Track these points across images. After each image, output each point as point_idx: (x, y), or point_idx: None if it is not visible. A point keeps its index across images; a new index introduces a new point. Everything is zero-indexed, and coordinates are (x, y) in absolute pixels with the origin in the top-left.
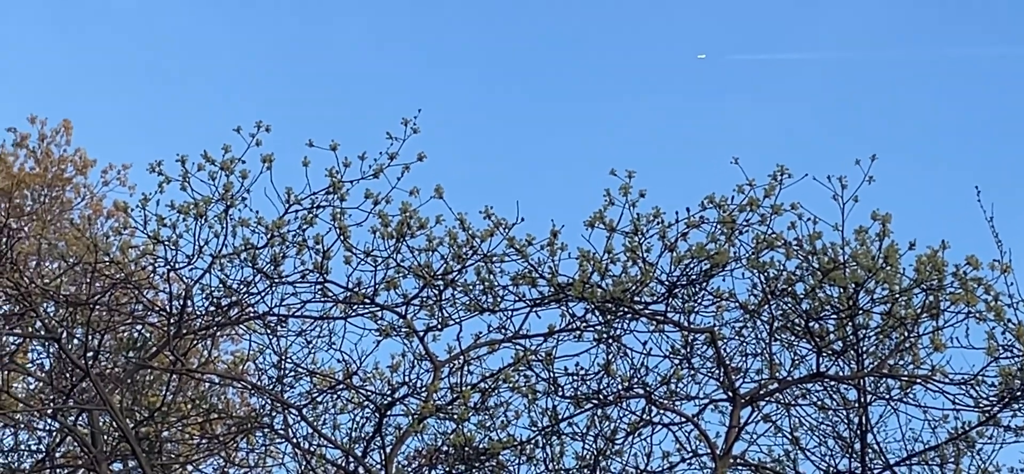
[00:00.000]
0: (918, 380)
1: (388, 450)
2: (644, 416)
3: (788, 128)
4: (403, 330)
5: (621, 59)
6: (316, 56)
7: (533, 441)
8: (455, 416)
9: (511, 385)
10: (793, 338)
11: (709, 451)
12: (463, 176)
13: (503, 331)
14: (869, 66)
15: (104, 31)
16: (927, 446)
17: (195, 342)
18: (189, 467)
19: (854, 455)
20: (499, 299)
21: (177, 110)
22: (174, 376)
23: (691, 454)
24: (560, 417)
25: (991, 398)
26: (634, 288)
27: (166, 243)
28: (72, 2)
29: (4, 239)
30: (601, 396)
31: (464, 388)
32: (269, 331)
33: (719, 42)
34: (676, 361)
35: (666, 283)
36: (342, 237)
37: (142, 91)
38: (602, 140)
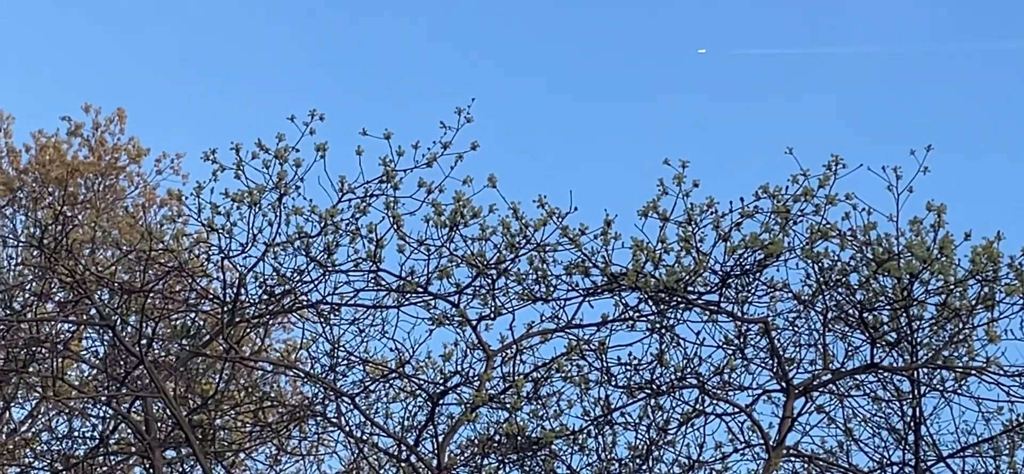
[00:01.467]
0: (973, 372)
1: (440, 439)
2: (697, 406)
3: (826, 122)
4: (456, 319)
5: (662, 55)
6: (363, 51)
7: (585, 431)
8: (508, 405)
9: (564, 374)
10: (847, 329)
11: (762, 442)
12: (516, 166)
13: (556, 320)
14: (912, 59)
15: (156, 22)
16: (981, 438)
17: (248, 330)
18: (242, 455)
19: (907, 447)
20: (552, 288)
21: (226, 101)
22: (227, 364)
23: (744, 445)
24: (613, 407)
25: None
26: (688, 278)
27: (220, 231)
28: None
29: (60, 227)
30: (654, 386)
31: (517, 377)
32: (322, 319)
33: (758, 37)
34: (729, 351)
35: (720, 273)
36: (395, 226)
37: (192, 82)
38: (648, 134)
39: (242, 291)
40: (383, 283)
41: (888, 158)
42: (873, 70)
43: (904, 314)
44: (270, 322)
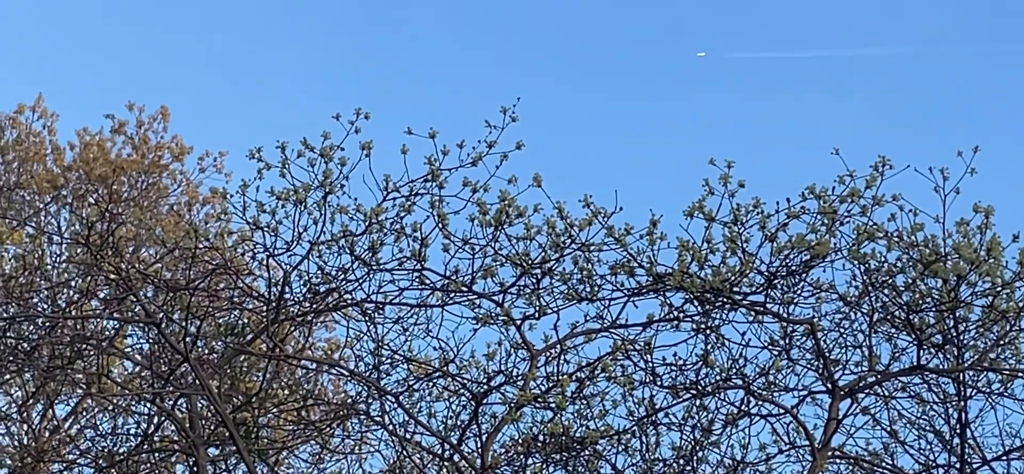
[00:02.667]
0: (1019, 374)
1: (484, 438)
2: (742, 407)
3: (866, 123)
4: (500, 318)
5: (695, 56)
6: (403, 53)
7: (630, 431)
8: (552, 405)
9: (608, 374)
10: (893, 330)
11: (807, 443)
12: (561, 166)
13: (601, 320)
14: (952, 60)
15: (199, 23)
16: None
17: (292, 329)
18: (285, 453)
19: (952, 450)
20: (597, 288)
21: (268, 101)
22: (271, 362)
23: (789, 446)
24: (657, 407)
25: None
26: (733, 278)
27: (265, 229)
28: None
29: (105, 224)
30: (699, 387)
31: (561, 377)
32: (366, 318)
33: (791, 38)
34: (775, 352)
35: (765, 274)
36: (440, 225)
37: (234, 82)
38: (688, 136)
39: (286, 289)
40: (427, 282)
41: (930, 160)
42: (913, 71)
43: (950, 316)
44: (313, 321)
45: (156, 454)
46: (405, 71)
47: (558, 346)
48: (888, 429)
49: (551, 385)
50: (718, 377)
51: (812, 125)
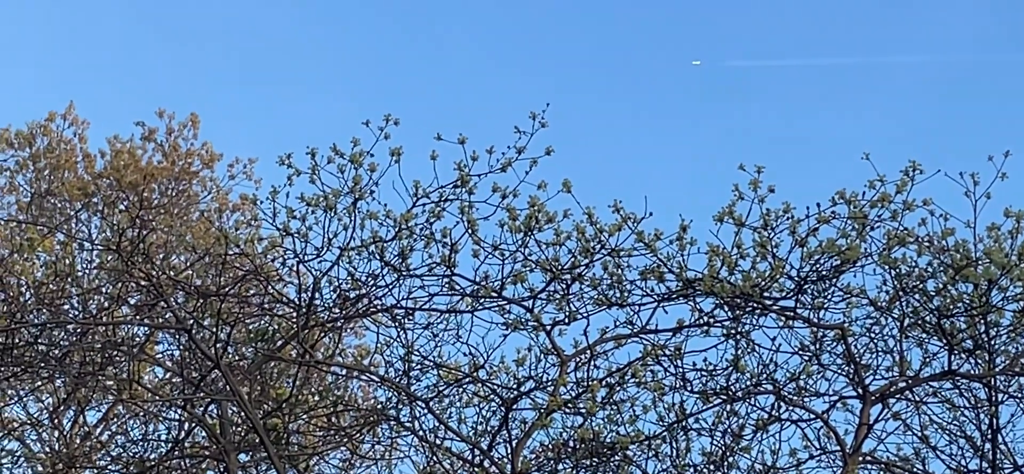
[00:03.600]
0: None
1: (514, 444)
2: (773, 412)
3: (891, 131)
4: (530, 324)
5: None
6: (431, 62)
7: (660, 436)
8: (582, 410)
9: (638, 380)
10: (924, 335)
11: (838, 449)
12: (591, 171)
13: (631, 326)
14: (978, 68)
15: (229, 31)
16: None
17: (322, 335)
18: (315, 459)
19: (983, 455)
20: (627, 293)
21: (297, 108)
22: (301, 368)
23: (820, 451)
24: (687, 412)
25: None
26: (763, 283)
27: (295, 235)
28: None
29: (135, 230)
30: (729, 392)
31: (591, 382)
32: (396, 324)
33: (820, 45)
34: (805, 357)
35: (796, 279)
36: (470, 231)
37: (263, 90)
38: (714, 145)
39: (316, 295)
40: (457, 288)
41: (958, 167)
42: (940, 79)
43: (982, 321)
44: (343, 327)
45: (187, 460)
46: (434, 80)
47: (588, 351)
48: (919, 434)
49: (581, 390)
50: (748, 382)
51: (839, 133)
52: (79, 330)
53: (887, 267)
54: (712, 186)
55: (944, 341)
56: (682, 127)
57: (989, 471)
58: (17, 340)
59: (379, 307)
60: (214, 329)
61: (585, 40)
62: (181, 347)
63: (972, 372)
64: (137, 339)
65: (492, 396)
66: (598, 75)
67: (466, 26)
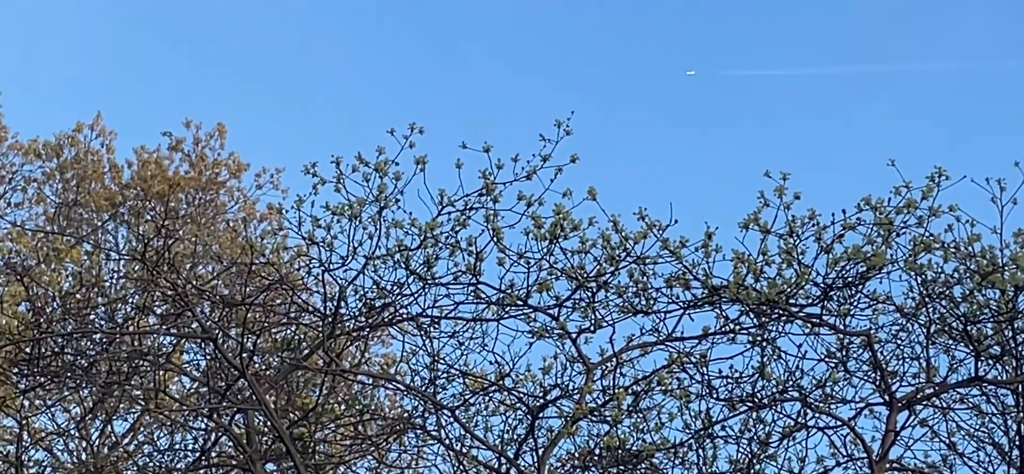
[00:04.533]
0: None
1: (540, 452)
2: (799, 420)
3: (912, 137)
4: (556, 332)
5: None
6: (454, 77)
7: (686, 444)
8: (608, 418)
9: (664, 387)
10: (950, 342)
11: (865, 456)
12: (615, 179)
13: (656, 333)
14: (998, 75)
15: (255, 42)
16: None
17: (348, 344)
18: (342, 468)
19: (1011, 462)
20: (652, 301)
21: (323, 118)
22: (327, 377)
23: (847, 458)
24: (713, 420)
25: None
26: (789, 290)
27: (321, 244)
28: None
29: (162, 240)
30: (755, 399)
31: (617, 390)
32: (422, 332)
33: (844, 52)
34: (832, 364)
35: (821, 285)
36: (495, 239)
37: (290, 100)
38: (738, 154)
39: (342, 304)
40: (483, 296)
41: (983, 174)
42: (962, 85)
43: (1008, 327)
44: (369, 336)
45: (213, 469)
46: (457, 92)
47: (614, 359)
48: (946, 441)
49: (607, 398)
50: (775, 389)
51: (863, 141)
52: (106, 340)
53: (913, 273)
54: (737, 194)
55: (971, 347)
56: (707, 137)
57: None
58: (44, 350)
59: (405, 316)
60: (240, 338)
61: (607, 50)
62: (207, 356)
63: (999, 378)
64: (164, 349)
65: (518, 404)
66: (621, 85)
67: (487, 39)
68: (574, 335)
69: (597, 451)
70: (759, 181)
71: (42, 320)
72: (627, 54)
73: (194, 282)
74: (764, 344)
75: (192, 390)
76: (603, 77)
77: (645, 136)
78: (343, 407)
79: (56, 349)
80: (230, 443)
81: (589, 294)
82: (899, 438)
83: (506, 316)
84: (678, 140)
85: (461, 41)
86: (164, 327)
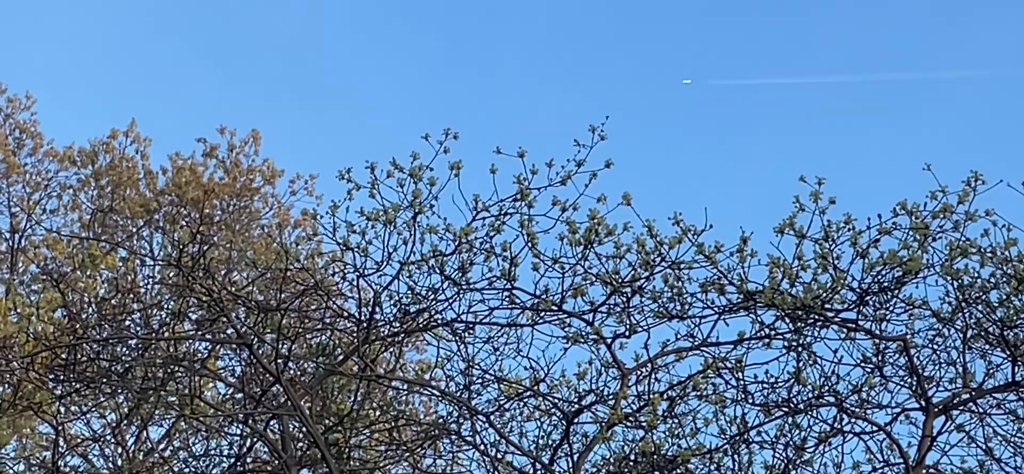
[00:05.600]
0: None
1: (575, 457)
2: (835, 425)
3: (948, 144)
4: (590, 337)
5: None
6: (487, 86)
7: (722, 449)
8: (643, 424)
9: (699, 393)
10: (987, 347)
11: (901, 461)
12: (650, 184)
13: (691, 338)
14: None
15: (289, 49)
16: None
17: (383, 349)
18: (376, 473)
19: None
20: (687, 306)
21: (357, 125)
22: (362, 383)
23: (883, 464)
24: (749, 425)
25: None
26: (825, 295)
27: (355, 250)
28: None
29: (197, 246)
30: (791, 404)
31: (652, 396)
32: (457, 338)
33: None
34: (868, 369)
35: (857, 290)
36: (530, 244)
37: (323, 108)
38: (770, 163)
39: (377, 309)
40: (517, 301)
41: (1020, 177)
42: (996, 92)
43: None
44: (404, 341)
45: None
46: (488, 99)
47: (649, 364)
48: (983, 447)
49: (642, 404)
50: (810, 394)
51: (899, 148)
52: (141, 345)
53: (950, 278)
54: (773, 201)
55: (1008, 352)
56: (742, 145)
57: None
58: (80, 355)
59: (439, 321)
60: (275, 344)
61: (637, 57)
62: (242, 362)
63: None
64: (199, 354)
65: (553, 410)
66: (651, 92)
67: (518, 47)
68: (609, 340)
69: (632, 457)
70: (795, 187)
71: (78, 326)
72: (658, 61)
73: (229, 288)
74: (800, 349)
75: (227, 396)
76: (632, 84)
77: (679, 143)
78: (378, 413)
79: (92, 355)
80: (265, 449)
81: (624, 299)
82: (935, 444)
83: (541, 321)
84: (711, 148)
85: (494, 50)
86: (199, 333)
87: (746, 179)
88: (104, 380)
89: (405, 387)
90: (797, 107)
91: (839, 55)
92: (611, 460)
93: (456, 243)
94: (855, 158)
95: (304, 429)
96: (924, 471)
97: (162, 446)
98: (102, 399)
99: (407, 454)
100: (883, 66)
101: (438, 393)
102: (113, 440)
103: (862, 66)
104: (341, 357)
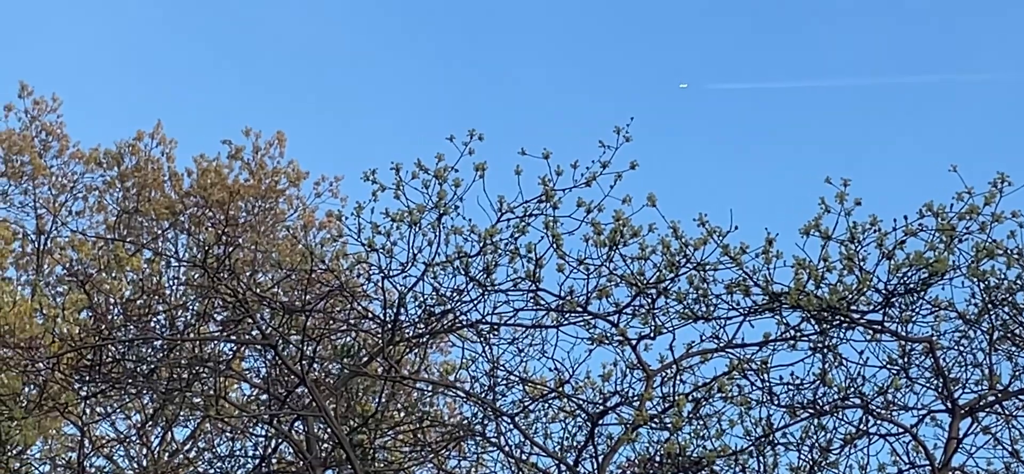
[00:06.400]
0: None
1: (600, 459)
2: (860, 427)
3: (971, 146)
4: (615, 338)
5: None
6: (509, 91)
7: (747, 451)
8: (668, 425)
9: (725, 394)
10: (1013, 348)
11: (927, 463)
12: (674, 185)
13: (717, 340)
14: None
15: (314, 52)
16: None
17: (407, 351)
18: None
19: None
20: (712, 307)
21: (381, 127)
22: (387, 384)
23: (909, 466)
24: (774, 427)
25: None
26: (850, 297)
27: (380, 251)
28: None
29: (222, 247)
30: (816, 406)
31: (677, 397)
32: (481, 339)
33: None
34: (893, 371)
35: (883, 292)
36: (555, 245)
37: (348, 111)
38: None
39: (402, 311)
40: (542, 302)
41: None
42: (1014, 95)
43: None
44: (428, 342)
45: None
46: (510, 103)
47: (674, 366)
48: (1009, 448)
49: (667, 405)
50: (836, 396)
51: (923, 150)
52: (166, 346)
53: (976, 279)
54: (799, 204)
55: None
56: (768, 147)
57: None
58: (105, 356)
59: (464, 322)
60: (300, 345)
61: (661, 58)
62: (267, 363)
63: None
64: (224, 355)
65: (578, 411)
66: (675, 95)
67: (539, 51)
68: (634, 342)
69: (657, 458)
70: (821, 188)
71: (103, 327)
72: (685, 62)
73: (254, 289)
74: (825, 350)
75: (252, 397)
76: (654, 86)
77: (704, 145)
78: (403, 414)
79: (117, 356)
80: (290, 450)
81: (649, 300)
82: (961, 445)
83: (566, 323)
84: (737, 150)
85: (515, 54)
86: (224, 334)
87: (770, 184)
88: (129, 381)
89: (430, 388)
90: (818, 110)
91: (861, 58)
92: (636, 461)
93: (481, 244)
94: (882, 161)
95: (329, 430)
96: (950, 473)
97: (187, 447)
98: (127, 400)
99: (432, 455)
100: (906, 69)
101: (463, 394)
102: (138, 441)
103: (886, 69)
104: (366, 358)
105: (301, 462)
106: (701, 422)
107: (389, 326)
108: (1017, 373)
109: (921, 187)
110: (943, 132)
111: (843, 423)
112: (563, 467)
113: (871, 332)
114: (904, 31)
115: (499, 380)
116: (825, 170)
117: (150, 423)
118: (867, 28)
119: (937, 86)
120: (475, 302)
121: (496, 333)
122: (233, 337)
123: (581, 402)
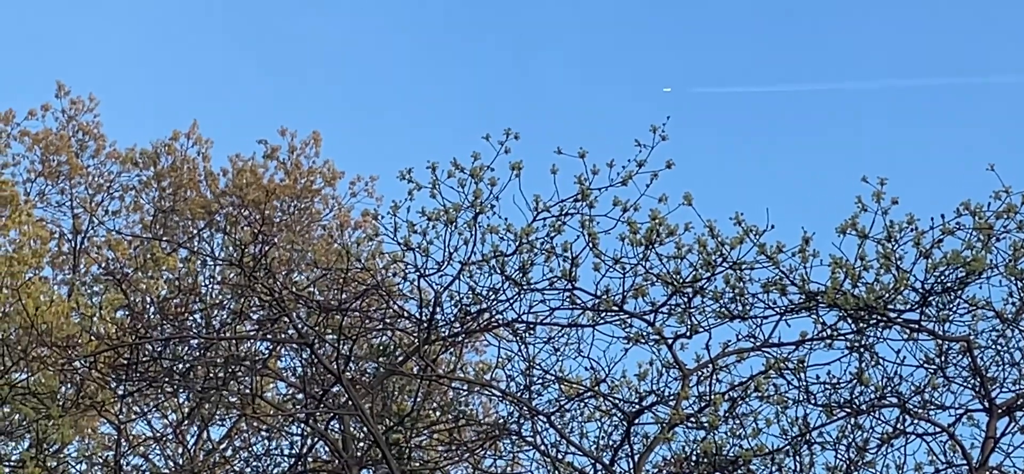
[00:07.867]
0: None
1: (636, 458)
2: (897, 426)
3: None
4: (652, 338)
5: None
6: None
7: (783, 450)
8: (704, 424)
9: (761, 393)
10: None
11: (964, 463)
12: (711, 185)
13: (753, 339)
14: None
15: (350, 53)
16: None
17: (443, 350)
18: (437, 473)
19: None
20: (749, 307)
21: (416, 129)
22: (423, 383)
23: (946, 466)
24: (811, 426)
25: None
26: (887, 296)
27: (416, 250)
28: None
29: (258, 247)
30: (853, 405)
31: (713, 396)
32: (517, 338)
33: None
34: (930, 370)
35: (920, 291)
36: (591, 244)
37: (382, 109)
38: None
39: (437, 310)
40: (578, 301)
41: None
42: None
43: None
44: (464, 341)
45: None
46: (542, 103)
47: (710, 365)
48: None
49: (704, 404)
50: (873, 395)
51: (962, 151)
52: (202, 345)
53: (1013, 278)
54: (836, 203)
55: None
56: (806, 148)
57: None
58: (142, 355)
59: (500, 322)
60: (336, 344)
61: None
62: (303, 362)
63: None
64: (260, 354)
65: (614, 410)
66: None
67: (570, 51)
68: (670, 341)
69: (693, 457)
70: (857, 188)
71: (140, 326)
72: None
73: (290, 288)
74: (862, 350)
75: (288, 396)
76: (685, 84)
77: (740, 145)
78: (438, 413)
79: (154, 355)
80: (326, 449)
81: (685, 299)
82: (999, 445)
83: (602, 322)
84: (775, 151)
85: (546, 54)
86: (260, 333)
87: (804, 186)
88: (166, 380)
89: (465, 387)
90: (855, 112)
91: (896, 60)
92: (672, 461)
93: (517, 243)
94: (919, 162)
95: (365, 429)
96: (987, 473)
97: (223, 446)
98: (164, 399)
99: (467, 454)
100: (945, 70)
101: (499, 393)
102: (174, 440)
103: (924, 71)
104: (402, 357)
105: (337, 461)
106: (737, 421)
107: (425, 325)
108: None
109: (959, 188)
110: (978, 134)
111: (880, 422)
112: (599, 466)
113: (908, 331)
114: (934, 33)
115: (535, 379)
116: (859, 172)
117: (186, 422)
118: (900, 29)
119: (971, 88)
120: (511, 301)
121: (532, 332)
122: (269, 336)
123: (617, 401)
